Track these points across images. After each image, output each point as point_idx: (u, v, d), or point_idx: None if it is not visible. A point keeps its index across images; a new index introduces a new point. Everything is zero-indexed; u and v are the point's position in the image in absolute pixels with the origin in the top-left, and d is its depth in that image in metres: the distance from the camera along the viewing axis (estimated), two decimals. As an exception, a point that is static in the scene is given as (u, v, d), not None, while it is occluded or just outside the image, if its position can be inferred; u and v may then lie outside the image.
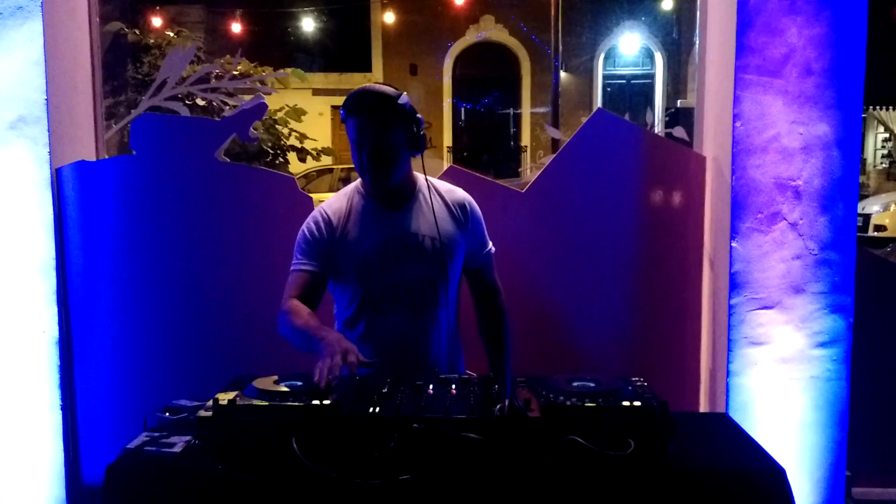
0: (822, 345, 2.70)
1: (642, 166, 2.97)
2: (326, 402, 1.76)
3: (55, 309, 2.82)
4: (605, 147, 2.97)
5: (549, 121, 15.39)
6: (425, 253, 2.33)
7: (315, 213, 2.39)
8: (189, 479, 1.71)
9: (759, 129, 2.66)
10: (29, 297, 2.80)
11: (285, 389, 1.87)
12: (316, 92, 19.53)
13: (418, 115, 2.27)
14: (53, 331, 2.82)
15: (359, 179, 2.40)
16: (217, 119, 2.91)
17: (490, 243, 2.50)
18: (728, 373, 2.72)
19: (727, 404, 2.72)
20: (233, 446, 1.75)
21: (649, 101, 19.38)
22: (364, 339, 2.34)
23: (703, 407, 3.01)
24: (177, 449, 1.78)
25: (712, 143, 2.93)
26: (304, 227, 2.37)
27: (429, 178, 2.39)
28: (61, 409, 2.85)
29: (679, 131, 3.36)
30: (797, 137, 2.65)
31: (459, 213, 2.40)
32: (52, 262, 2.80)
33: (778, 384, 2.71)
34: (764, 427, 2.69)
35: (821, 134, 2.64)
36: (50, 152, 2.76)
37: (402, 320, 2.33)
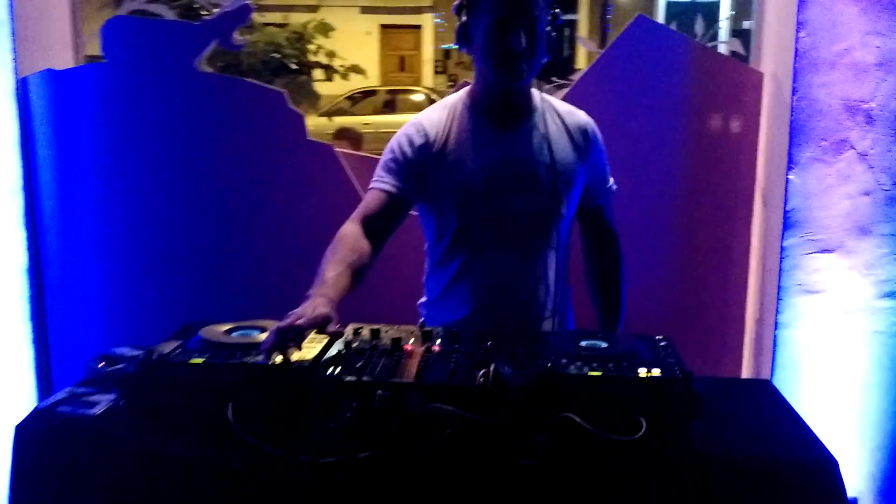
0: (890, 295, 2.49)
1: (688, 83, 2.73)
2: (275, 361, 1.47)
3: (24, 234, 2.63)
4: (645, 59, 2.73)
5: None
6: (539, 183, 1.97)
7: (410, 125, 2.01)
8: (107, 447, 1.44)
9: (827, 40, 2.40)
10: (-7, 221, 2.61)
11: (233, 342, 1.59)
12: (364, 10, 19.06)
13: (557, 11, 1.92)
14: (22, 258, 2.64)
15: (463, 90, 2.03)
16: (196, 23, 2.62)
17: (612, 179, 2.13)
18: (776, 324, 2.53)
19: (773, 360, 2.55)
20: (162, 410, 1.48)
21: (715, 22, 18.56)
22: (459, 279, 2.01)
23: (747, 361, 2.80)
24: (96, 410, 1.51)
25: (772, 57, 2.66)
26: (394, 139, 2.00)
27: (546, 95, 2.02)
28: (33, 342, 2.69)
29: (734, 44, 3.07)
30: (872, 51, 2.39)
31: (581, 139, 2.03)
32: (20, 182, 2.61)
33: (834, 339, 2.53)
34: (814, 388, 2.54)
35: (901, 48, 2.39)
36: (14, 59, 2.56)
37: (506, 261, 1.99)
